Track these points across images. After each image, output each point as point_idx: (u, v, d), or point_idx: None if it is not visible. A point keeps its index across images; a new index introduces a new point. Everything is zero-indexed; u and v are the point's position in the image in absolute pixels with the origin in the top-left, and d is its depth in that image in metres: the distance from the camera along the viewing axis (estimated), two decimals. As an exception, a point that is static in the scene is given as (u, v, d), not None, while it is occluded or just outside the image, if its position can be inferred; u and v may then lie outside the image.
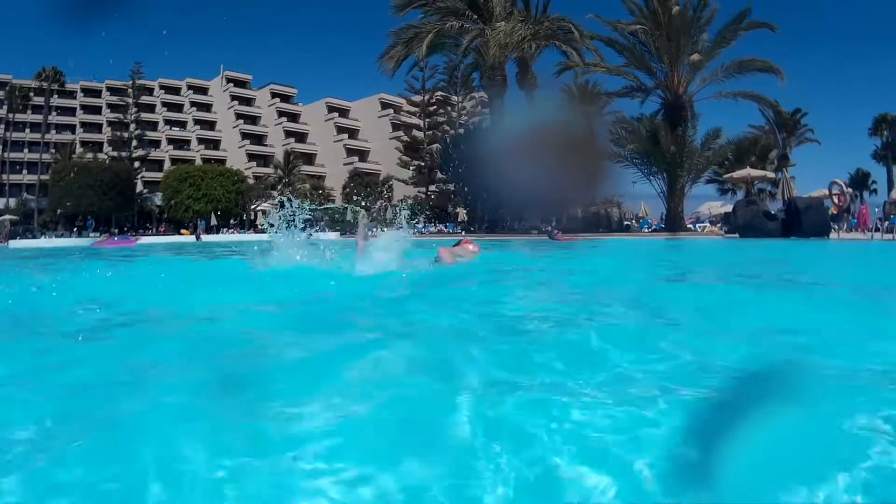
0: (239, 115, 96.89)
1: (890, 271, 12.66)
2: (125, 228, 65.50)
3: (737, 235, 30.22)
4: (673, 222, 42.90)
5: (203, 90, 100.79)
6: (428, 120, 73.78)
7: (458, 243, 10.44)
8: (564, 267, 13.11)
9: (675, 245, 26.92)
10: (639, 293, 7.42)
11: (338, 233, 51.94)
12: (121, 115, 75.01)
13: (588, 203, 43.64)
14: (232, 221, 66.67)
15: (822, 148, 74.92)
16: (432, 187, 73.15)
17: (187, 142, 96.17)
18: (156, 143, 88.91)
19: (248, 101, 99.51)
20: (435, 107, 73.52)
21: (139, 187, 74.72)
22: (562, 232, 29.13)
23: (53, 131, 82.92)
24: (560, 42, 43.69)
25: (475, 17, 43.46)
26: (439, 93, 72.03)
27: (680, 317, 5.48)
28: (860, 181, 71.54)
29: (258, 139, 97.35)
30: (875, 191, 72.87)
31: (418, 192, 75.00)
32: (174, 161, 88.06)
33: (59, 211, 64.58)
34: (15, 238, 49.17)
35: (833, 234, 28.73)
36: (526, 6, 45.22)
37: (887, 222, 30.01)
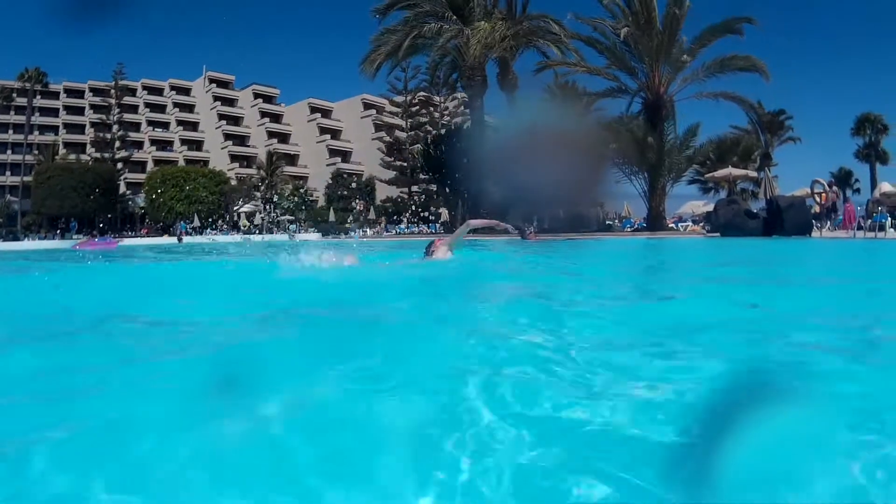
0: (221, 116, 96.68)
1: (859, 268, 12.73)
2: (106, 229, 65.05)
3: (718, 234, 30.33)
4: (655, 222, 42.95)
5: (186, 91, 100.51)
6: (410, 120, 73.93)
7: (431, 244, 10.56)
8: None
9: (648, 244, 27.07)
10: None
11: (319, 234, 52.16)
12: (103, 116, 74.72)
13: (571, 203, 43.71)
14: (221, 223, 66.42)
15: (804, 147, 75.07)
16: (415, 188, 73.22)
17: (170, 143, 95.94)
18: (139, 145, 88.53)
19: (230, 102, 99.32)
20: (417, 107, 73.69)
21: (122, 189, 74.32)
22: (535, 232, 29.13)
23: (36, 132, 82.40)
24: (540, 41, 43.70)
25: (455, 17, 43.39)
26: (422, 93, 72.17)
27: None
28: (843, 180, 71.84)
29: (241, 140, 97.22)
30: (858, 190, 73.33)
31: (401, 192, 75.08)
32: (157, 162, 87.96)
33: (42, 212, 64.21)
34: (-3, 240, 48.99)
35: (815, 233, 28.89)
36: (508, 5, 45.24)
37: (870, 220, 30.18)
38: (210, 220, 64.85)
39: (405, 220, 63.97)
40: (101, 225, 64.82)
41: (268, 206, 66.35)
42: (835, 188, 33.05)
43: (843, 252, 17.98)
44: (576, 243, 26.61)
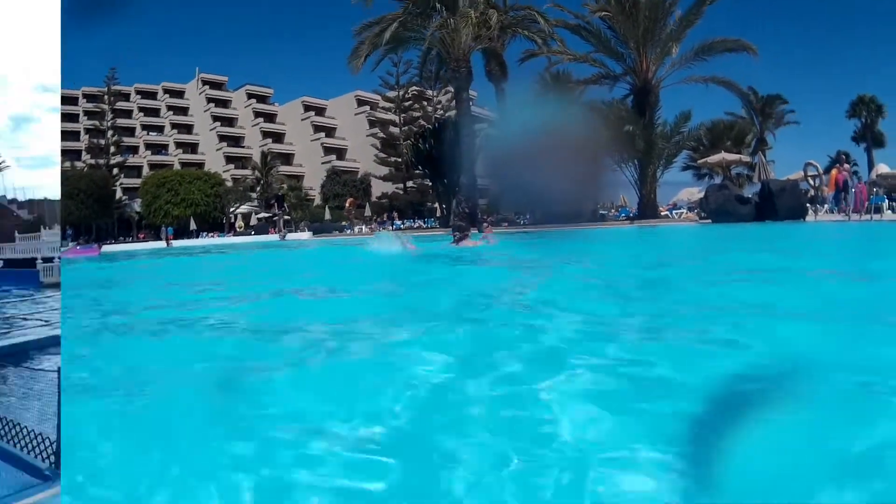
0: (216, 118, 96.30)
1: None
2: (103, 236, 64.93)
3: (710, 221, 29.98)
4: (646, 210, 42.39)
5: (179, 93, 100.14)
6: (404, 115, 73.74)
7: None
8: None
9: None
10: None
11: (310, 233, 51.84)
12: (97, 122, 74.41)
13: (560, 194, 43.25)
14: (228, 225, 66.14)
15: (802, 130, 74.04)
16: (410, 183, 72.96)
17: (165, 146, 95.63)
18: (134, 149, 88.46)
19: (224, 103, 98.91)
20: (410, 102, 73.52)
21: (118, 194, 74.06)
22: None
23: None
24: (525, 31, 43.37)
25: (442, 7, 42.95)
26: (414, 88, 71.77)
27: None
28: (840, 163, 71.13)
29: (235, 141, 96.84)
30: (856, 173, 72.56)
31: (396, 188, 74.82)
32: (152, 166, 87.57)
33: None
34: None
35: (810, 216, 28.49)
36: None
37: (866, 203, 29.71)
38: (207, 223, 64.67)
39: (395, 216, 63.32)
40: (98, 233, 64.79)
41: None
42: (846, 165, 32.32)
43: (821, 237, 17.40)
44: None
